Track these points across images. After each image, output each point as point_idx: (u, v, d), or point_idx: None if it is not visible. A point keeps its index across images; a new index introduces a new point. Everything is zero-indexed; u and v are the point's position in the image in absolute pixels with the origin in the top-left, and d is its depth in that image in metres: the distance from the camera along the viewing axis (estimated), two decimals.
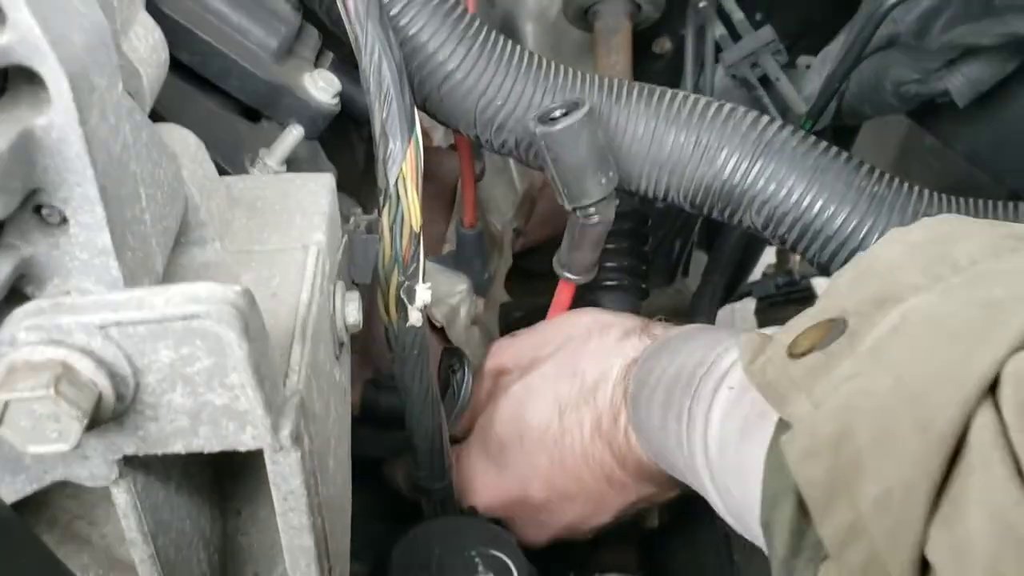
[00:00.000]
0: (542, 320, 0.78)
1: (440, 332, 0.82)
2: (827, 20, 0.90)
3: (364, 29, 0.54)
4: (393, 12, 0.61)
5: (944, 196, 0.65)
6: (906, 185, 0.64)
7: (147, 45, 0.45)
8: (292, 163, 0.61)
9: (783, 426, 0.45)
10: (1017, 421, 0.36)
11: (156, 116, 0.47)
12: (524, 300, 0.98)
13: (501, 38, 0.65)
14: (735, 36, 0.87)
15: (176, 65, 0.52)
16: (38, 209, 0.35)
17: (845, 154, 0.65)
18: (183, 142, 0.46)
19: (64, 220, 0.36)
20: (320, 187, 0.53)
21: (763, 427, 0.46)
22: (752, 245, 1.05)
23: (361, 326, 0.53)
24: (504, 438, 0.72)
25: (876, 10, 0.68)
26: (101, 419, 0.35)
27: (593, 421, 0.68)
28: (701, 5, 0.88)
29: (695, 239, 1.07)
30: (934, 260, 0.44)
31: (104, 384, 0.34)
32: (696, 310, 0.95)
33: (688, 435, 0.56)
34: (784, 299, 1.08)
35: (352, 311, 0.52)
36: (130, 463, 0.39)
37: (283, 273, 0.47)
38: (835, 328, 0.45)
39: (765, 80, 0.86)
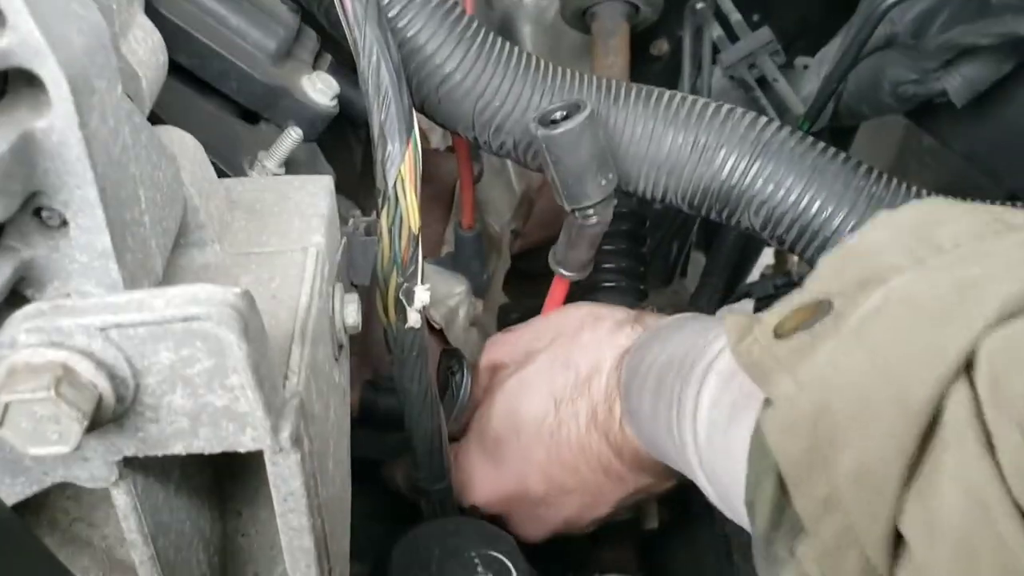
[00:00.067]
0: None
1: (439, 333, 0.82)
2: (824, 21, 0.90)
3: (362, 31, 0.55)
4: (391, 14, 0.61)
5: (942, 196, 0.65)
6: (904, 185, 0.64)
7: (146, 47, 0.45)
8: (290, 165, 0.61)
9: (768, 406, 0.45)
10: (991, 398, 0.36)
11: (155, 118, 0.47)
12: (522, 301, 0.98)
13: (499, 40, 0.65)
14: (732, 37, 0.87)
15: (175, 67, 0.52)
16: (38, 212, 0.35)
17: (843, 154, 0.65)
18: (182, 144, 0.46)
19: (64, 223, 0.36)
20: (319, 189, 0.53)
21: (750, 410, 0.47)
22: (750, 246, 1.05)
23: (360, 328, 0.53)
24: (501, 433, 0.72)
25: (874, 10, 0.68)
26: (101, 421, 0.35)
27: (588, 412, 0.68)
28: (698, 6, 0.89)
29: (693, 240, 1.07)
30: (918, 242, 0.44)
31: (104, 386, 0.34)
32: (696, 311, 0.95)
33: (678, 421, 0.56)
34: None
35: (351, 313, 0.52)
36: (130, 464, 0.39)
37: (282, 275, 0.47)
38: (821, 310, 0.45)
39: (763, 81, 0.86)
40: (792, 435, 0.42)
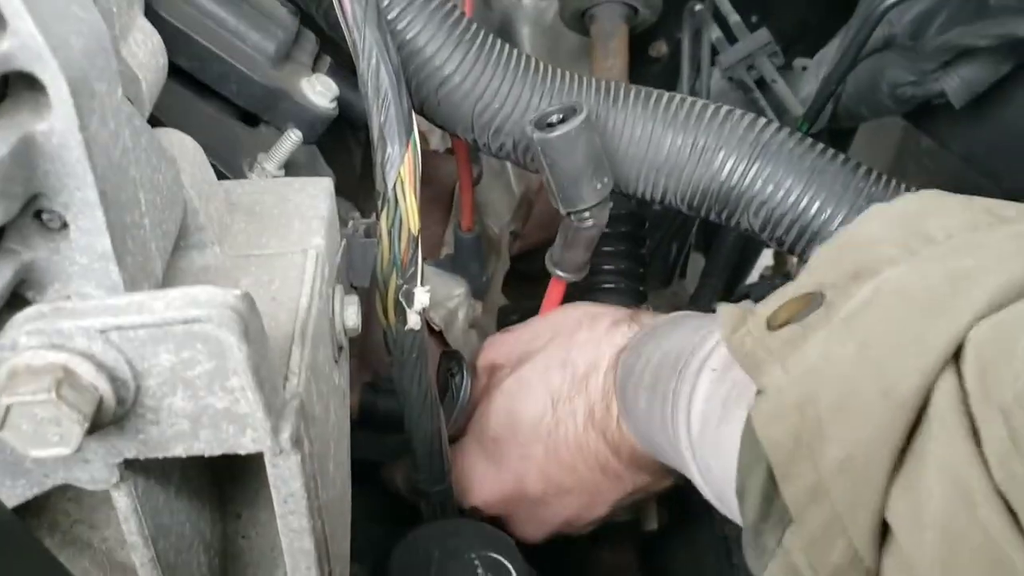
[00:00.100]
0: None
1: (438, 335, 0.82)
2: (823, 22, 0.91)
3: (362, 34, 0.55)
4: (391, 16, 0.61)
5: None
6: (903, 186, 0.64)
7: (146, 50, 0.46)
8: (290, 167, 0.61)
9: (759, 396, 0.45)
10: (977, 388, 0.37)
11: (155, 121, 0.47)
12: (521, 303, 0.98)
13: (499, 42, 0.65)
14: (731, 39, 0.87)
15: (174, 70, 0.52)
16: (39, 214, 0.35)
17: (842, 156, 0.65)
18: (182, 147, 0.46)
19: (64, 225, 0.36)
20: (319, 191, 0.53)
21: (742, 404, 0.47)
22: (749, 247, 1.05)
23: (360, 330, 0.53)
24: (499, 433, 0.72)
25: (872, 12, 0.68)
26: (102, 423, 0.35)
27: (586, 410, 0.68)
28: (697, 8, 0.89)
29: (692, 241, 1.07)
30: (911, 234, 0.45)
31: (105, 388, 0.34)
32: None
33: (672, 416, 0.56)
34: None
35: (351, 315, 0.52)
36: (131, 467, 0.39)
37: (282, 277, 0.47)
38: (813, 301, 0.45)
39: (761, 83, 0.86)
40: (780, 424, 0.42)
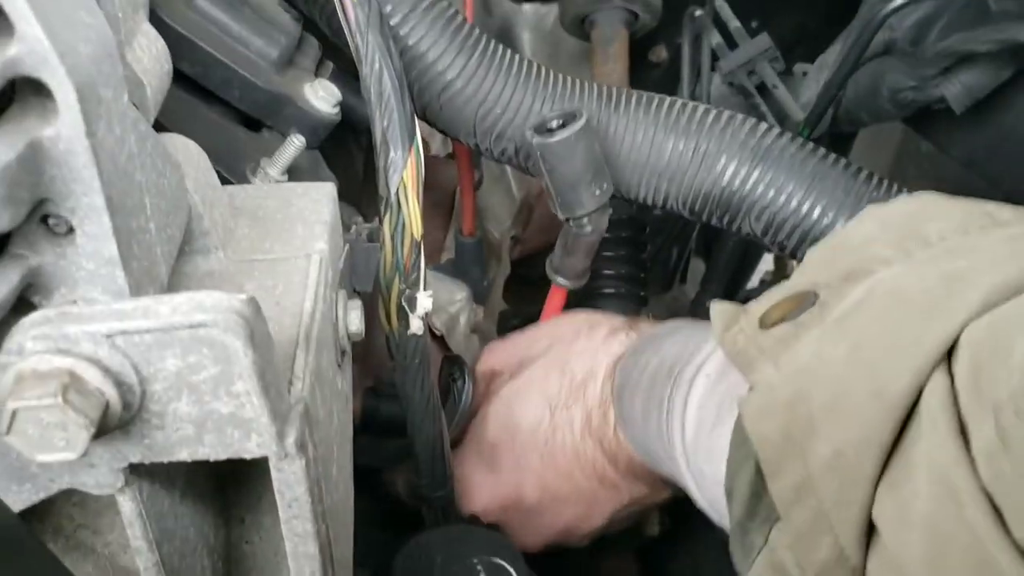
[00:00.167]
0: None
1: (440, 340, 0.82)
2: (823, 27, 0.91)
3: (365, 39, 0.55)
4: (393, 22, 0.61)
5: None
6: (904, 191, 0.65)
7: (151, 56, 0.46)
8: (293, 172, 0.61)
9: (749, 393, 0.46)
10: (968, 387, 0.37)
11: (158, 127, 0.47)
12: (522, 308, 0.98)
13: (500, 47, 0.65)
14: (731, 44, 0.87)
15: (178, 76, 0.52)
16: (45, 219, 0.35)
17: (843, 160, 0.65)
18: (186, 152, 0.46)
19: (71, 230, 0.36)
20: (322, 196, 0.53)
21: (735, 409, 0.47)
22: (750, 252, 1.05)
23: (363, 334, 0.53)
24: (496, 439, 0.72)
25: (873, 17, 0.68)
26: (108, 427, 0.35)
27: (583, 418, 0.68)
28: (697, 13, 0.89)
29: (692, 246, 1.08)
30: (905, 236, 0.45)
31: (111, 393, 0.34)
32: (695, 317, 0.95)
33: (668, 423, 0.56)
34: None
35: (354, 319, 0.52)
36: (136, 471, 0.39)
37: (286, 282, 0.47)
38: (806, 300, 0.46)
39: (762, 88, 0.87)
40: (770, 420, 0.43)
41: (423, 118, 0.66)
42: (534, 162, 0.66)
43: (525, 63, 0.66)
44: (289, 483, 0.40)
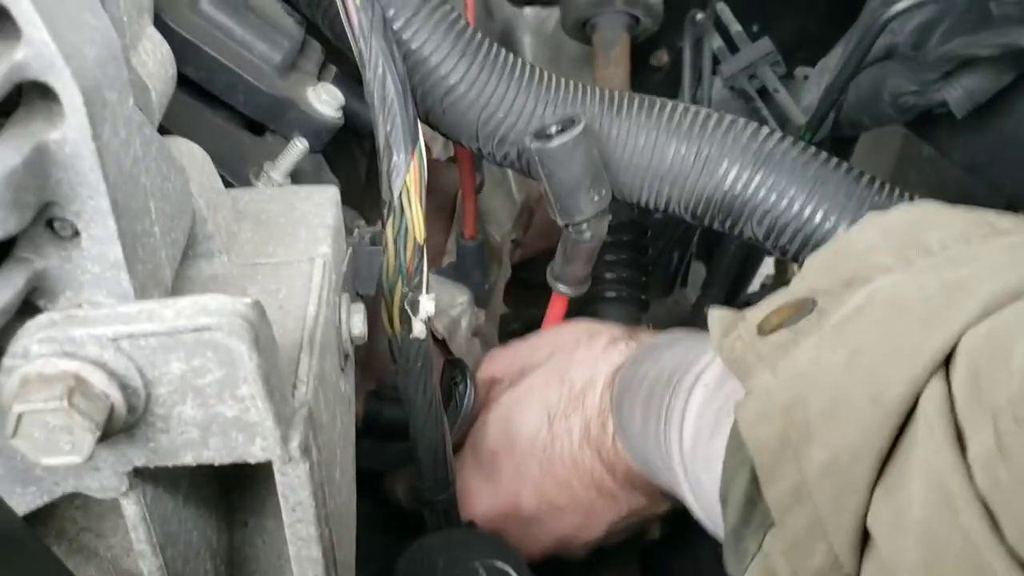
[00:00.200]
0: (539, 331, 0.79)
1: (441, 344, 0.82)
2: (824, 31, 0.91)
3: (368, 43, 0.55)
4: (397, 26, 0.61)
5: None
6: (907, 195, 0.65)
7: (155, 59, 0.46)
8: (296, 176, 0.61)
9: (745, 398, 0.45)
10: (965, 394, 0.37)
11: (162, 130, 0.47)
12: (522, 311, 0.98)
13: (503, 51, 0.65)
14: (733, 48, 0.87)
15: (182, 80, 0.52)
16: (51, 223, 0.35)
17: (845, 165, 0.65)
18: (191, 155, 0.46)
19: (76, 233, 0.36)
20: (325, 200, 0.53)
21: (733, 418, 0.47)
22: (751, 256, 1.05)
23: (366, 338, 0.53)
24: (495, 448, 0.72)
25: (874, 22, 0.69)
26: (113, 431, 0.35)
27: (582, 428, 0.68)
28: (698, 17, 0.89)
29: (693, 250, 1.08)
30: (906, 244, 0.45)
31: (116, 396, 0.35)
32: (696, 321, 0.96)
33: (666, 433, 0.56)
34: None
35: (357, 323, 0.52)
36: (140, 475, 0.39)
37: (289, 285, 0.47)
38: (805, 307, 0.46)
39: (763, 92, 0.87)
40: (767, 425, 0.43)
41: (426, 122, 0.66)
42: (535, 166, 0.66)
43: (528, 67, 0.66)
44: (293, 487, 0.40)
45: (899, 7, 0.67)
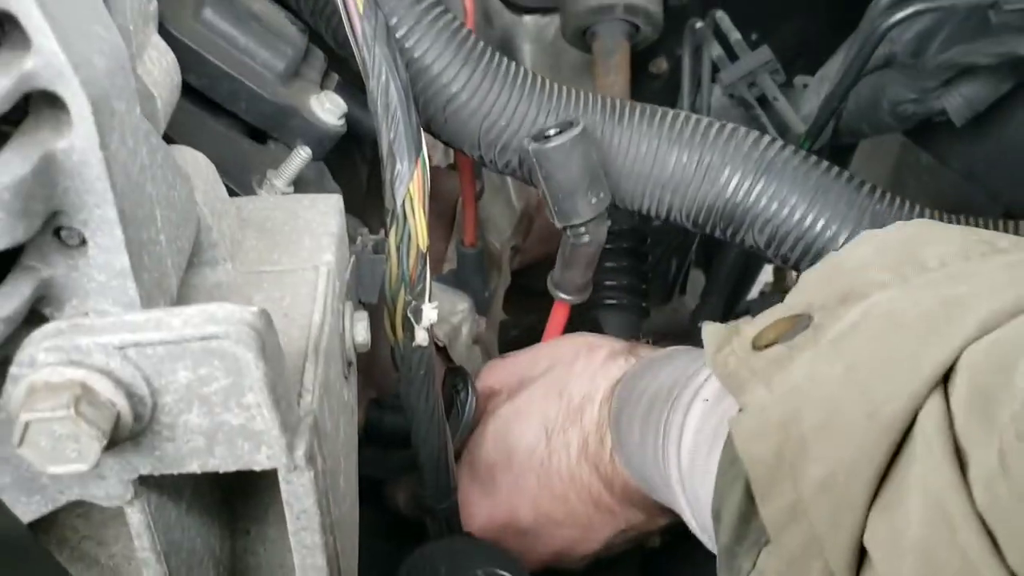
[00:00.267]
0: (539, 338, 0.79)
1: (442, 351, 0.82)
2: (823, 39, 0.91)
3: (372, 52, 0.55)
4: (399, 35, 0.62)
5: (943, 215, 0.66)
6: (907, 204, 0.65)
7: (161, 68, 0.46)
8: (299, 184, 0.61)
9: (740, 414, 0.45)
10: (965, 412, 0.36)
11: (166, 139, 0.47)
12: (522, 318, 0.98)
13: (505, 60, 0.65)
14: (732, 56, 0.88)
15: (185, 88, 0.52)
16: (58, 231, 0.36)
17: (846, 173, 0.65)
18: (195, 164, 0.46)
19: (83, 242, 0.36)
20: (328, 208, 0.53)
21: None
22: (750, 263, 1.05)
23: (369, 346, 0.53)
24: (493, 461, 0.72)
25: (874, 31, 0.69)
26: (119, 439, 0.35)
27: (580, 442, 0.68)
28: (698, 26, 0.89)
29: (692, 258, 1.08)
30: (903, 260, 0.45)
31: (122, 404, 0.35)
32: (694, 329, 0.96)
33: (664, 448, 0.56)
34: None
35: (361, 331, 0.52)
36: (144, 483, 0.39)
37: (294, 293, 0.47)
38: (800, 323, 0.46)
39: (763, 100, 0.87)
40: (762, 442, 0.42)
41: (428, 130, 0.66)
42: (534, 169, 0.66)
43: (529, 75, 0.66)
44: (298, 495, 0.40)
45: (898, 16, 0.67)
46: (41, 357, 0.34)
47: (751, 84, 0.87)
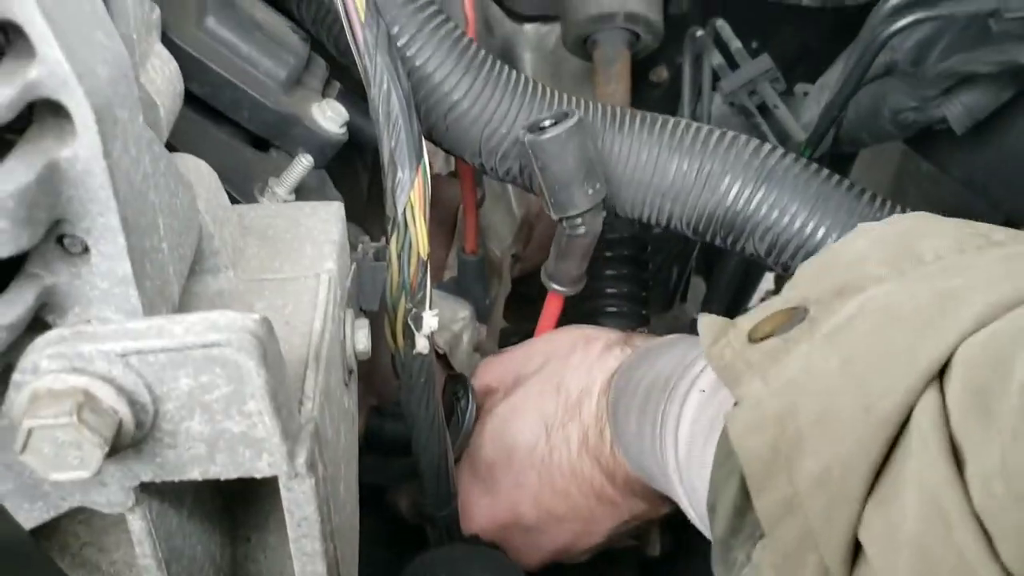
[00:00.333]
0: None
1: (443, 359, 0.82)
2: (824, 47, 0.91)
3: (373, 60, 0.55)
4: (401, 43, 0.62)
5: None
6: (908, 212, 0.65)
7: (163, 77, 0.46)
8: (300, 192, 0.61)
9: (735, 407, 0.45)
10: (961, 407, 0.36)
11: (169, 147, 0.47)
12: (522, 325, 0.98)
13: (506, 68, 0.66)
14: (732, 64, 0.88)
15: (187, 96, 0.53)
16: (61, 239, 0.36)
17: (847, 181, 0.65)
18: (197, 172, 0.47)
19: (86, 249, 0.36)
20: (330, 215, 0.53)
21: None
22: (751, 271, 1.06)
23: (370, 353, 0.53)
24: (492, 459, 0.72)
25: (874, 38, 0.69)
26: (121, 446, 0.35)
27: (579, 437, 0.68)
28: (698, 34, 0.89)
29: (693, 265, 1.08)
30: (899, 254, 0.45)
31: (124, 411, 0.35)
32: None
33: (661, 439, 0.56)
34: None
35: (362, 338, 0.53)
36: (146, 489, 0.39)
37: (295, 301, 0.48)
38: (796, 316, 0.45)
39: (763, 108, 0.87)
40: (758, 435, 0.42)
41: (429, 138, 0.66)
42: (530, 162, 0.66)
43: (531, 84, 0.66)
44: (299, 502, 0.40)
45: (899, 24, 0.67)
46: (44, 364, 0.34)
47: (751, 92, 0.87)
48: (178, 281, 0.42)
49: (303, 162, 0.60)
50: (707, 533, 0.54)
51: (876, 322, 0.42)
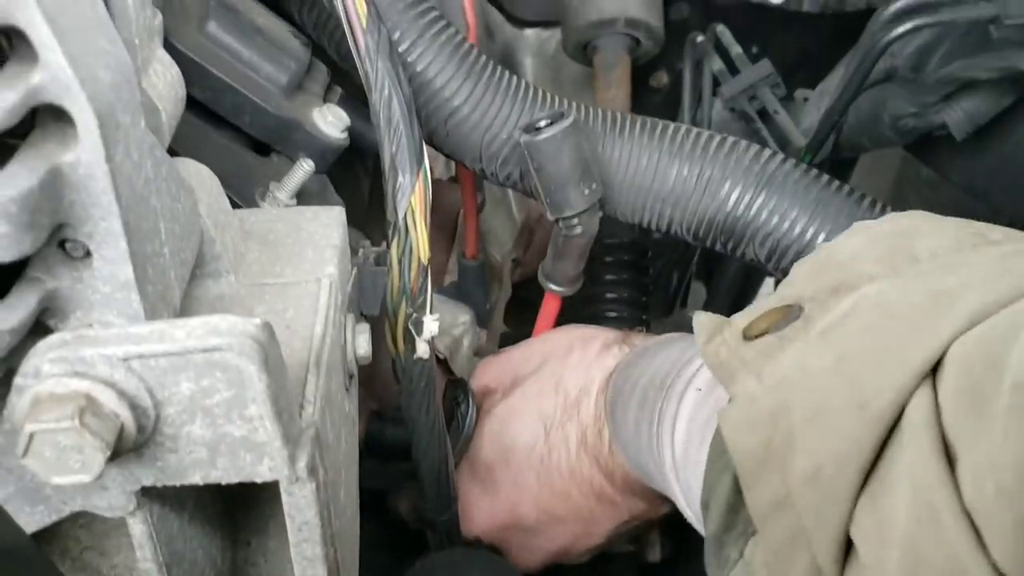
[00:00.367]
0: None
1: (443, 364, 0.82)
2: (824, 53, 0.91)
3: (375, 65, 0.55)
4: (402, 48, 0.62)
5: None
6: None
7: (165, 82, 0.46)
8: (301, 196, 0.61)
9: (729, 404, 0.45)
10: (953, 405, 0.36)
11: (170, 151, 0.47)
12: (522, 330, 0.98)
13: (507, 74, 0.66)
14: (733, 70, 0.88)
15: (188, 101, 0.53)
16: (63, 243, 0.36)
17: (847, 187, 0.65)
18: (199, 176, 0.47)
19: (88, 254, 0.36)
20: (331, 220, 0.53)
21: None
22: (751, 276, 1.06)
23: (371, 358, 0.53)
24: (491, 460, 0.72)
25: (874, 44, 0.69)
26: (122, 450, 0.35)
27: (578, 436, 0.68)
28: (699, 39, 0.89)
29: (693, 270, 1.08)
30: (894, 252, 0.45)
31: (126, 416, 0.35)
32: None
33: (658, 437, 0.56)
34: None
35: (362, 343, 0.53)
36: (147, 494, 0.39)
37: (296, 306, 0.48)
38: (791, 314, 0.46)
39: (763, 113, 0.87)
40: (751, 432, 0.42)
41: (430, 143, 0.66)
42: (527, 163, 0.66)
43: (531, 89, 0.66)
44: (300, 507, 0.40)
45: (899, 30, 0.67)
46: (46, 368, 0.34)
47: (752, 98, 0.87)
48: (179, 285, 0.42)
49: (304, 167, 0.60)
50: (701, 530, 0.54)
51: (870, 320, 0.42)
